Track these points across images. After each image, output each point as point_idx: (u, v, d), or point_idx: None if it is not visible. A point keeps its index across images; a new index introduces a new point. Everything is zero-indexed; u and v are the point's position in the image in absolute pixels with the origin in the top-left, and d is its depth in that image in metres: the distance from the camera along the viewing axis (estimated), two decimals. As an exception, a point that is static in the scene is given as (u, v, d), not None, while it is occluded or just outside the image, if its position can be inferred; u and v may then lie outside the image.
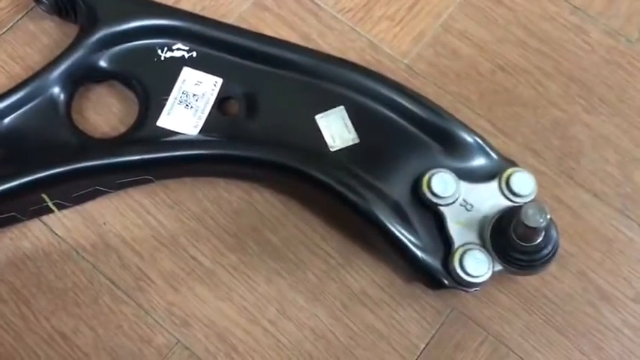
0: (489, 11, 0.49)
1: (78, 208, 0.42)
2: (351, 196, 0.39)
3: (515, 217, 0.37)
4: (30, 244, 0.41)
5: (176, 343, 0.39)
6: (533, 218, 0.35)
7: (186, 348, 0.39)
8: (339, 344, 0.40)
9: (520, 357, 0.40)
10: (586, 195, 0.44)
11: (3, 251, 0.41)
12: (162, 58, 0.43)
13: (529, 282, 0.41)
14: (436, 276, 0.39)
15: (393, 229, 0.39)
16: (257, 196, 0.43)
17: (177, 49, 0.43)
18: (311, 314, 0.40)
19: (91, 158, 0.40)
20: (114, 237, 0.42)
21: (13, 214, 0.40)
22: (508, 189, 0.40)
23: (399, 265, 0.41)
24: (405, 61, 0.47)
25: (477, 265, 0.38)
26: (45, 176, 0.40)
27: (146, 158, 0.41)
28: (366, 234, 0.41)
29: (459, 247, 0.38)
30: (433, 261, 0.39)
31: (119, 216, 0.42)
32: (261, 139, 0.41)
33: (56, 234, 0.42)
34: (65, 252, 0.41)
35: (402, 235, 0.39)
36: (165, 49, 0.43)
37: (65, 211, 0.42)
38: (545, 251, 0.37)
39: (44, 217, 0.42)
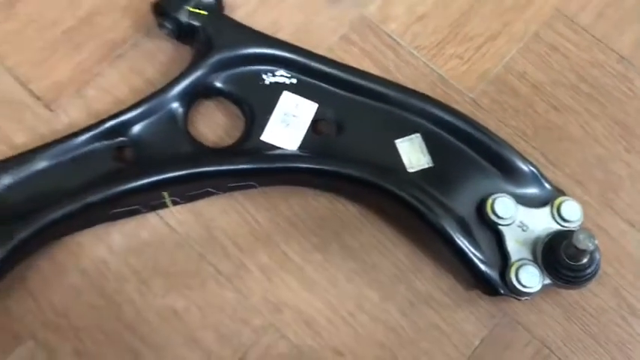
0: (546, 57, 0.56)
1: (189, 205, 0.49)
2: (424, 211, 0.46)
3: (565, 240, 0.44)
4: (148, 233, 0.49)
5: (269, 326, 0.47)
6: (584, 242, 0.42)
7: (278, 330, 0.47)
8: (407, 337, 0.47)
9: (559, 358, 0.47)
10: (623, 224, 0.50)
11: (126, 238, 0.48)
12: (267, 82, 0.50)
13: (570, 295, 0.48)
14: (494, 285, 0.46)
15: (458, 241, 0.46)
16: (340, 206, 0.50)
17: (280, 75, 0.51)
18: (383, 310, 0.47)
19: (205, 164, 0.48)
20: (219, 231, 0.49)
21: (136, 207, 0.48)
22: (559, 215, 0.47)
23: (460, 273, 0.48)
24: (471, 96, 0.54)
25: (530, 278, 0.45)
26: (167, 177, 0.47)
27: (252, 167, 0.48)
28: (434, 245, 0.48)
29: (515, 261, 0.45)
30: (492, 272, 0.46)
31: (224, 214, 0.49)
32: (348, 157, 0.48)
33: (170, 226, 0.49)
34: (177, 242, 0.49)
35: (467, 247, 0.46)
36: (269, 74, 0.51)
37: (179, 207, 0.49)
38: (589, 270, 0.44)
39: (160, 211, 0.49)
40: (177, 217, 0.49)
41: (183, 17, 0.50)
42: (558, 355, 0.47)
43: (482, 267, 0.46)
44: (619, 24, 0.57)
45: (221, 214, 0.49)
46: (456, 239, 0.46)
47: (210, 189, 0.49)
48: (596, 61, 0.56)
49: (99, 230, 0.48)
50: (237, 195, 0.50)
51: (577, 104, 0.54)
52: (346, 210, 0.50)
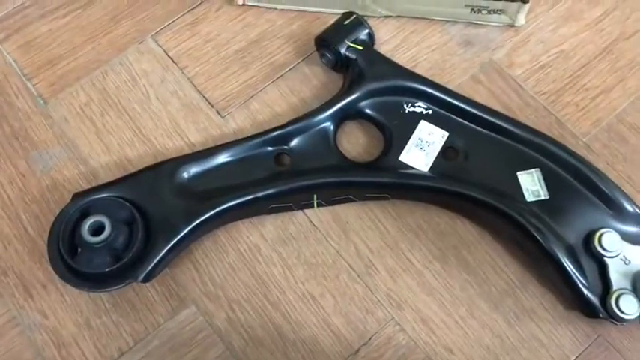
0: (657, 111, 0.61)
1: (330, 208, 0.58)
2: (539, 237, 0.53)
3: (665, 276, 0.50)
4: (295, 228, 0.58)
5: (391, 319, 0.54)
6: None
7: (398, 324, 0.54)
8: (510, 344, 0.53)
9: (647, 382, 0.52)
10: None
11: (277, 229, 0.58)
12: (406, 111, 0.59)
13: (663, 327, 0.53)
14: (594, 308, 0.52)
15: (567, 266, 0.52)
16: (460, 224, 0.57)
17: (418, 105, 0.59)
18: (491, 318, 0.54)
19: (351, 175, 0.57)
20: (353, 233, 0.57)
21: (290, 204, 0.57)
22: (659, 254, 0.52)
23: (563, 294, 0.54)
24: (584, 140, 0.61)
25: (629, 306, 0.51)
26: (317, 183, 0.56)
27: (390, 182, 0.56)
28: (542, 267, 0.54)
29: (616, 290, 0.51)
30: (593, 296, 0.52)
31: (359, 219, 0.58)
32: (473, 182, 0.56)
33: (314, 224, 0.58)
34: (318, 238, 0.57)
35: (573, 272, 0.52)
36: (410, 104, 0.59)
37: (322, 209, 0.58)
38: (684, 306, 0.50)
39: (307, 211, 0.58)
40: (319, 217, 0.58)
41: (343, 50, 0.60)
42: (647, 378, 0.52)
43: (585, 291, 0.52)
44: None
45: (356, 219, 0.58)
46: (565, 264, 0.52)
47: (350, 196, 0.57)
48: None
49: (255, 220, 0.58)
50: (371, 204, 0.58)
51: (682, 157, 0.60)
52: (465, 228, 0.57)
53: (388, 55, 0.62)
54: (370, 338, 0.54)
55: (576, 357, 0.53)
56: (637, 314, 0.50)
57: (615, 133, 0.61)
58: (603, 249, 0.52)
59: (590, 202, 0.55)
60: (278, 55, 0.64)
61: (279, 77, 0.63)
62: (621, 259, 0.52)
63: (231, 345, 0.54)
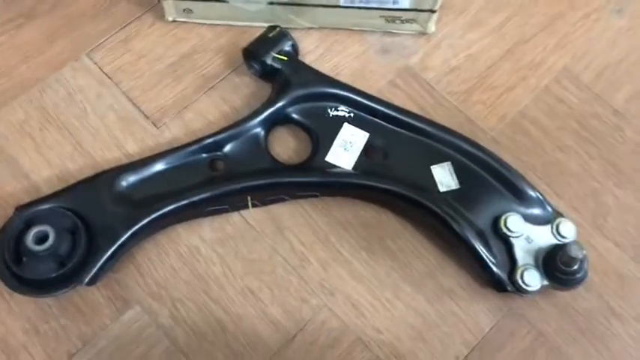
0: (554, 107, 0.68)
1: (265, 208, 0.62)
2: (452, 223, 0.59)
3: (561, 250, 0.56)
4: (232, 228, 0.62)
5: (324, 306, 0.59)
6: (575, 252, 0.54)
7: (330, 310, 0.59)
8: (432, 321, 0.59)
9: (554, 345, 0.58)
10: (609, 243, 0.62)
11: (215, 231, 0.61)
12: (330, 115, 0.64)
13: (564, 297, 0.60)
14: (503, 283, 0.58)
15: (477, 248, 0.58)
16: (384, 216, 0.63)
17: (341, 110, 0.64)
18: (414, 299, 0.60)
19: (281, 177, 0.61)
20: (287, 231, 0.62)
21: (225, 207, 0.61)
22: (557, 232, 0.59)
23: (477, 273, 0.60)
24: (492, 134, 0.67)
25: (532, 279, 0.57)
26: (250, 185, 0.60)
27: (317, 181, 0.61)
28: (457, 250, 0.60)
29: (521, 266, 0.58)
30: (502, 273, 0.58)
31: (292, 217, 0.62)
32: (392, 177, 0.61)
33: (249, 223, 0.62)
34: (254, 236, 0.62)
35: (483, 253, 0.58)
36: (333, 109, 0.64)
37: (257, 209, 0.62)
38: (579, 275, 0.57)
39: (243, 212, 0.62)
40: (255, 217, 0.62)
41: (268, 61, 0.64)
42: (551, 342, 0.58)
43: (495, 269, 0.58)
44: (615, 83, 0.70)
45: (290, 217, 0.62)
46: (476, 246, 0.58)
47: (283, 196, 0.62)
48: (595, 113, 0.68)
49: (194, 223, 0.61)
50: (303, 202, 0.63)
51: (577, 147, 0.67)
52: (389, 220, 0.63)
53: (312, 64, 0.67)
54: (305, 325, 0.58)
55: (491, 328, 0.59)
56: (539, 286, 0.57)
57: (519, 127, 0.68)
58: (509, 230, 0.58)
59: (497, 190, 0.61)
60: (209, 67, 0.69)
61: (211, 88, 0.67)
62: (525, 239, 0.59)
63: (175, 340, 0.57)
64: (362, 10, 0.69)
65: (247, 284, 0.60)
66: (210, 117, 0.66)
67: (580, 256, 0.54)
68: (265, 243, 0.61)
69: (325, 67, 0.68)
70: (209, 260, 0.60)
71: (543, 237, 0.59)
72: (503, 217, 0.59)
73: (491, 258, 0.58)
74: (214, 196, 0.59)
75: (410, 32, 0.71)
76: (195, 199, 0.58)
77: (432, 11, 0.69)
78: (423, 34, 0.71)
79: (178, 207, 0.58)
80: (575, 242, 0.55)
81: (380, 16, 0.69)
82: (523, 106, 0.69)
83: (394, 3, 0.67)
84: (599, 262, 0.61)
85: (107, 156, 0.64)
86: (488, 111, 0.68)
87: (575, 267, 0.56)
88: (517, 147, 0.66)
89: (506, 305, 0.60)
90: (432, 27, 0.70)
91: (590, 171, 0.66)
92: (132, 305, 0.59)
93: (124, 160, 0.63)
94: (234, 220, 0.62)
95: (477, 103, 0.69)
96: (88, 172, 0.62)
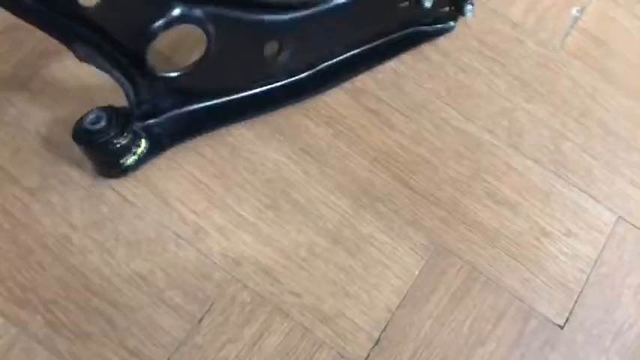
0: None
1: (143, 180, 0.53)
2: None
3: None
4: (107, 208, 0.52)
5: (231, 279, 0.51)
6: None
7: (239, 281, 0.51)
8: (356, 274, 0.52)
9: (487, 277, 0.53)
10: (528, 161, 0.58)
11: (87, 214, 0.51)
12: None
13: (491, 224, 0.55)
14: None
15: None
16: (284, 167, 0.55)
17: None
18: (332, 253, 0.53)
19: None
20: (174, 200, 0.53)
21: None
22: None
23: (398, 215, 0.54)
24: (391, 65, 0.61)
25: None
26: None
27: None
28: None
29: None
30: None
31: (178, 185, 0.53)
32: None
33: (128, 200, 0.52)
34: (136, 213, 0.52)
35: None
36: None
37: (134, 182, 0.53)
38: None
39: (118, 186, 0.52)
40: (133, 191, 0.52)
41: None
42: (487, 275, 0.53)
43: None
44: (508, -4, 0.66)
45: (176, 185, 0.53)
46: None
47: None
48: (494, 29, 0.64)
49: (60, 208, 0.51)
50: (188, 166, 0.54)
51: (481, 66, 0.62)
52: (289, 170, 0.55)
53: None
54: (212, 304, 0.50)
55: (420, 270, 0.53)
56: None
57: (419, 53, 0.62)
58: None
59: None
60: None
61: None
62: (441, 167, 0.53)
63: (56, 350, 0.47)
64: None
65: (135, 269, 0.50)
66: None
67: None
68: (150, 219, 0.52)
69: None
70: (84, 249, 0.50)
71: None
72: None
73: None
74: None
75: None
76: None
77: None
78: None
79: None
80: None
81: None
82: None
83: None
84: (522, 182, 0.57)
85: None
86: (382, 40, 0.62)
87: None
88: (418, 74, 0.61)
89: (432, 244, 0.54)
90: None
91: (497, 89, 0.61)
92: (-7, 319, 0.48)
93: None
94: (109, 198, 0.52)
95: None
96: None
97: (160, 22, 0.45)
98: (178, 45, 0.57)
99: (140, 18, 0.45)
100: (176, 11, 0.45)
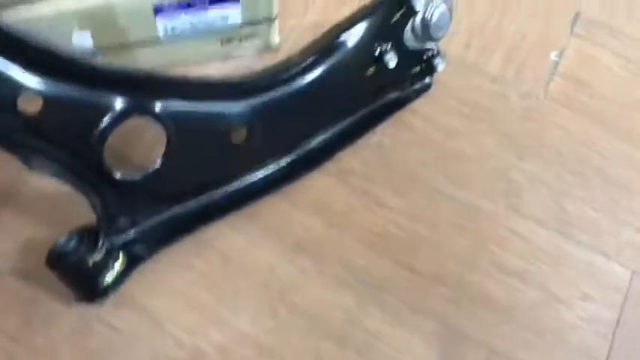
0: (429, 90, 0.61)
1: (129, 302, 0.49)
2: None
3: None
4: (96, 342, 0.48)
5: (236, 401, 0.47)
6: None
7: (246, 403, 0.47)
8: None
9: (507, 359, 0.50)
10: (531, 224, 0.56)
11: (78, 356, 0.48)
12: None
13: (501, 297, 0.52)
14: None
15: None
16: (278, 269, 0.52)
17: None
18: (343, 358, 0.49)
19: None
20: (165, 320, 0.49)
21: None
22: (474, 229, 0.51)
23: (404, 303, 0.51)
24: (375, 138, 0.58)
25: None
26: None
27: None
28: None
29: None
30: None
31: (166, 302, 0.49)
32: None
33: (117, 329, 0.48)
34: (126, 342, 0.48)
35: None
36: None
37: (122, 306, 0.49)
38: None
39: (104, 314, 0.49)
40: (121, 317, 0.49)
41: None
42: (506, 356, 0.50)
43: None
44: (485, 49, 0.64)
45: (165, 303, 0.49)
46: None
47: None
48: (473, 85, 0.62)
49: (46, 351, 0.47)
50: (176, 280, 0.50)
51: (464, 127, 0.59)
52: (285, 271, 0.52)
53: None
54: None
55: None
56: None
57: (401, 122, 0.60)
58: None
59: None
60: None
61: None
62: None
63: None
64: (190, 41, 0.58)
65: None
66: None
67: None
68: (142, 346, 0.48)
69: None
70: (76, 392, 0.47)
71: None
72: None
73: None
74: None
75: (253, 51, 0.61)
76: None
77: (271, 20, 0.59)
78: (268, 49, 0.62)
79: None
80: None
81: (215, 40, 0.59)
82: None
83: (223, 20, 0.57)
84: (527, 247, 0.54)
85: None
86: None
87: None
88: (404, 146, 0.58)
89: (443, 328, 0.51)
90: (275, 39, 0.61)
91: (486, 149, 0.59)
92: None
93: None
94: (97, 330, 0.49)
95: (348, 109, 0.60)
96: None
97: (106, 119, 0.42)
98: (137, 145, 0.54)
99: (86, 116, 0.42)
100: (120, 105, 0.42)
